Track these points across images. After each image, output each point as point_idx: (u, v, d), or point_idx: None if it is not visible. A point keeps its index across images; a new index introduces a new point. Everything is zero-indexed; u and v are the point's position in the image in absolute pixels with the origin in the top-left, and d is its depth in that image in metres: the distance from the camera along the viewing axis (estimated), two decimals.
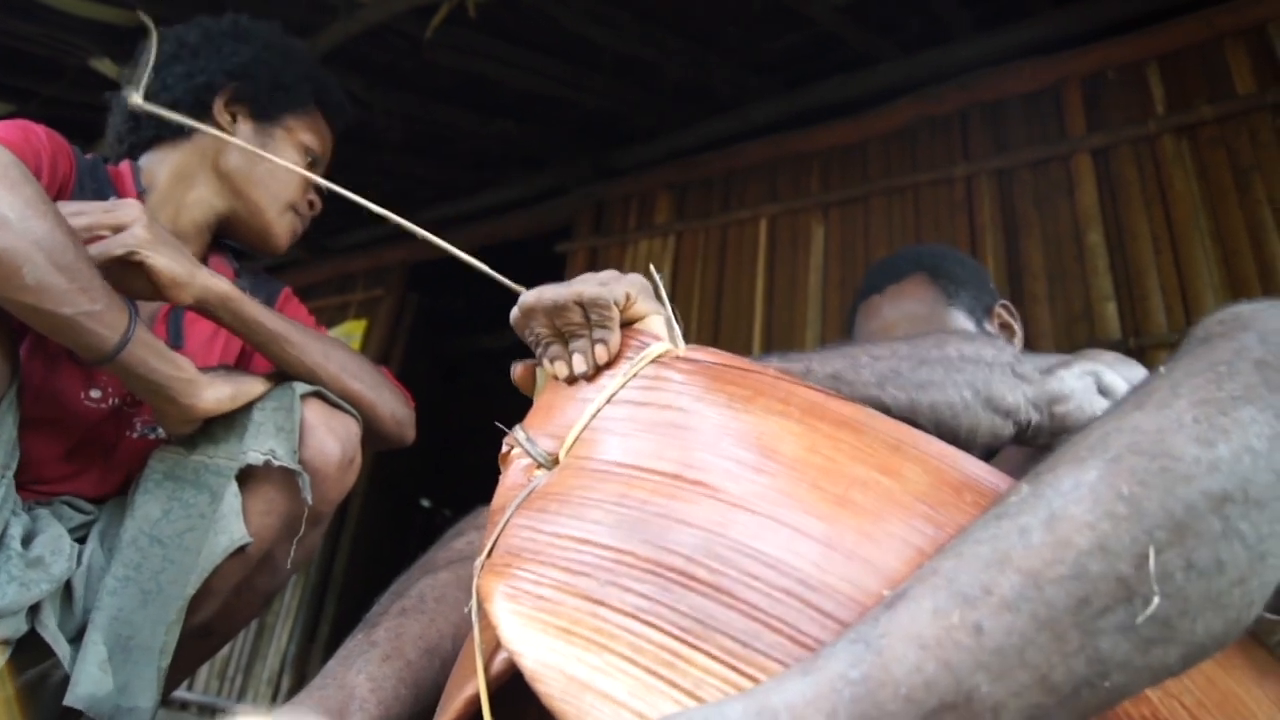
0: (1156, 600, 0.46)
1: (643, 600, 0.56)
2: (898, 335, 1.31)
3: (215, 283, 1.24)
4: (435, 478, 5.95)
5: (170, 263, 1.18)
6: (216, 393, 1.24)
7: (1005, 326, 1.52)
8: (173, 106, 1.50)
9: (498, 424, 0.78)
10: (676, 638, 0.53)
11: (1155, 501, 0.48)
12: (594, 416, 0.73)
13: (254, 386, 1.30)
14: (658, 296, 0.86)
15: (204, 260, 1.51)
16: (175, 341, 1.38)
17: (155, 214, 1.41)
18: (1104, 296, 2.55)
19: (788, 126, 3.35)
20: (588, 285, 0.82)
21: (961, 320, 1.44)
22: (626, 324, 0.81)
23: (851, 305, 1.59)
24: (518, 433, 0.77)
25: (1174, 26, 2.67)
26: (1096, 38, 2.78)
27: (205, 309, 1.26)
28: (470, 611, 0.67)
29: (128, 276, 1.18)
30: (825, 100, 3.26)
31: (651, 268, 0.95)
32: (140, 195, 1.43)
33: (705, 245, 3.47)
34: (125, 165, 1.47)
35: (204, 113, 1.49)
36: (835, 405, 0.67)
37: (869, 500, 0.58)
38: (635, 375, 0.74)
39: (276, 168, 1.49)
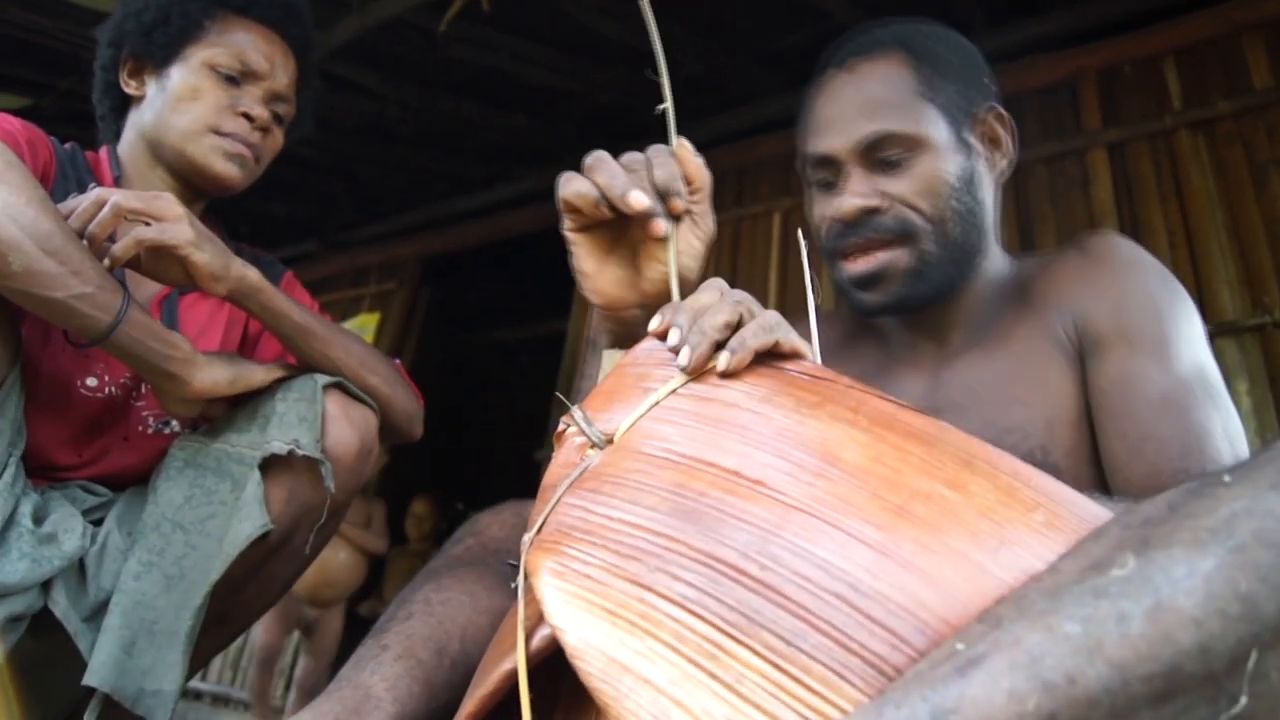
0: (1244, 700, 0.44)
1: (691, 590, 0.56)
2: (860, 131, 1.13)
3: (248, 274, 1.27)
4: (445, 469, 5.97)
5: (211, 259, 1.22)
6: (214, 374, 1.25)
7: (992, 140, 1.23)
8: (99, 103, 1.56)
9: (559, 396, 0.78)
10: (721, 630, 0.53)
11: (1274, 604, 0.44)
12: (655, 405, 0.73)
13: (255, 374, 1.31)
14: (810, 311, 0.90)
15: None
16: (169, 326, 1.39)
17: None
18: None
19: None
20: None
21: (937, 126, 1.15)
22: None
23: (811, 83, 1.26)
24: (575, 412, 0.77)
25: (1191, 21, 2.66)
26: (1112, 32, 2.77)
27: (237, 300, 1.28)
28: (516, 586, 0.67)
29: (162, 265, 1.22)
30: None
31: (799, 234, 0.99)
32: (116, 180, 1.45)
33: (718, 240, 3.46)
34: (104, 151, 1.49)
35: (118, 93, 1.52)
36: (907, 417, 0.67)
37: (930, 512, 0.58)
38: (705, 372, 0.75)
39: (177, 103, 1.43)
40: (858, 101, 1.14)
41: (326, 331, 1.36)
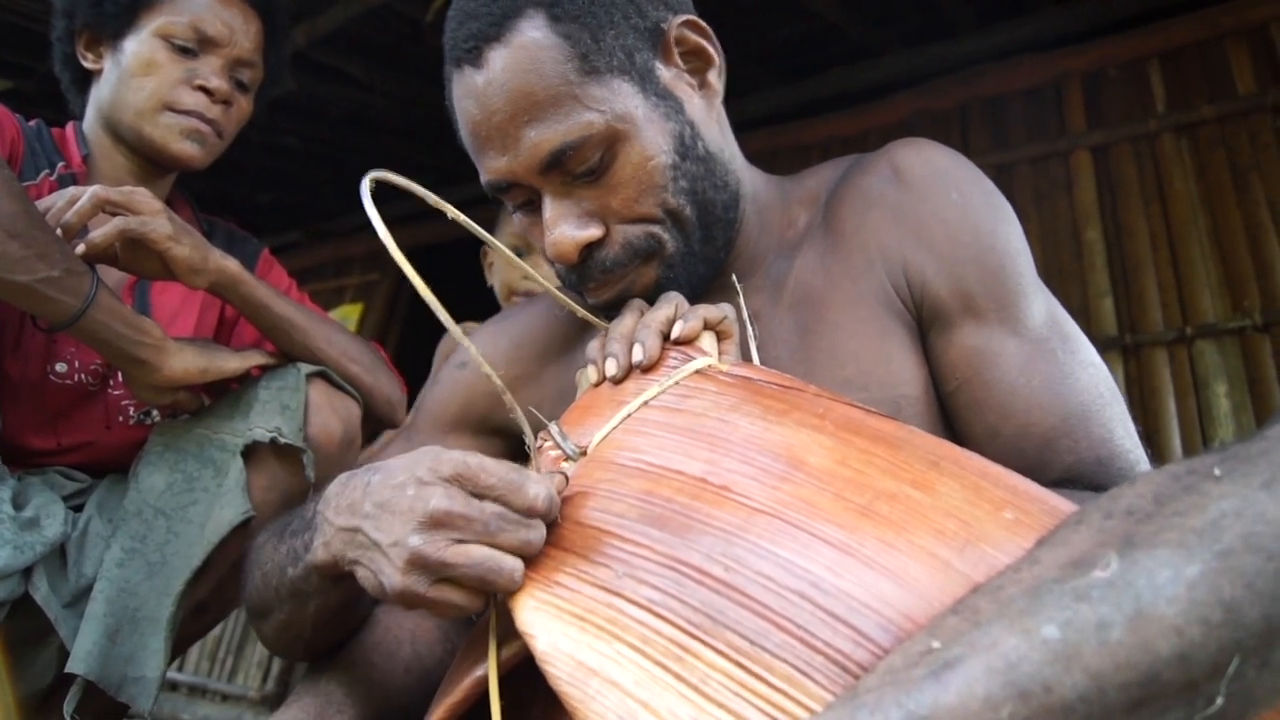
0: (1220, 701, 0.43)
1: (657, 593, 0.57)
2: (531, 150, 0.87)
3: (227, 265, 1.26)
4: None
5: (190, 252, 1.21)
6: (185, 362, 1.23)
7: (694, 53, 0.97)
8: (60, 76, 1.51)
9: (532, 411, 0.79)
10: (687, 632, 0.54)
11: (1257, 610, 0.42)
12: (627, 418, 0.75)
13: (228, 362, 1.30)
14: (739, 317, 0.88)
15: (168, 205, 1.49)
16: (141, 312, 1.38)
17: (101, 178, 1.41)
18: (1101, 293, 2.56)
19: (787, 118, 3.35)
20: (661, 305, 0.85)
21: (620, 99, 0.88)
22: (682, 342, 0.83)
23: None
24: (552, 427, 0.79)
25: (1176, 25, 2.68)
26: (1098, 35, 2.79)
27: (217, 292, 1.27)
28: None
29: (140, 258, 1.21)
30: (825, 92, 3.26)
31: (734, 277, 0.97)
32: (84, 158, 1.42)
33: None
34: (70, 128, 1.46)
35: (77, 66, 1.47)
36: (874, 422, 0.68)
37: (895, 512, 0.58)
38: (675, 384, 0.77)
39: (131, 79, 1.37)
40: (510, 111, 0.87)
41: (307, 322, 1.35)
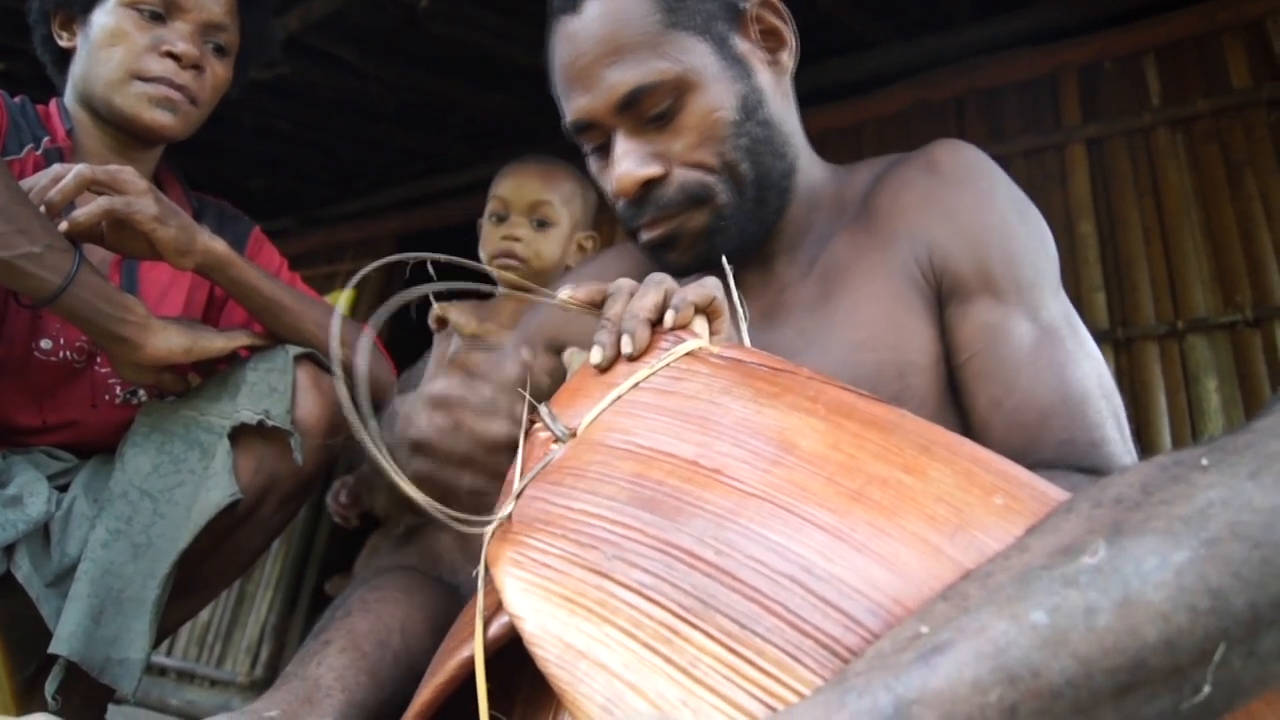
0: (1207, 689, 0.43)
1: (647, 576, 0.56)
2: (610, 89, 0.98)
3: (214, 246, 1.26)
4: None
5: (176, 233, 1.20)
6: (169, 341, 1.23)
7: (770, 33, 1.10)
8: (41, 57, 1.51)
9: (524, 393, 0.80)
10: (676, 615, 0.54)
11: (1244, 599, 0.43)
12: (617, 400, 0.75)
13: (214, 341, 1.29)
14: (727, 291, 0.88)
15: (156, 182, 1.48)
16: (128, 289, 1.37)
17: (84, 153, 1.41)
18: (1093, 287, 2.56)
19: None
20: (648, 288, 0.85)
21: (697, 55, 1.00)
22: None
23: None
24: (541, 409, 0.79)
25: (1172, 19, 2.68)
26: (1095, 28, 2.79)
27: (204, 273, 1.27)
28: (475, 574, 0.68)
29: (126, 238, 1.20)
30: (821, 83, 3.25)
31: (724, 259, 0.97)
32: (68, 133, 1.41)
33: None
34: (54, 104, 1.45)
35: (55, 46, 1.47)
36: (866, 405, 0.68)
37: (886, 497, 0.58)
38: (665, 366, 0.76)
39: (98, 51, 1.36)
40: (597, 53, 0.98)
41: (297, 304, 1.35)
